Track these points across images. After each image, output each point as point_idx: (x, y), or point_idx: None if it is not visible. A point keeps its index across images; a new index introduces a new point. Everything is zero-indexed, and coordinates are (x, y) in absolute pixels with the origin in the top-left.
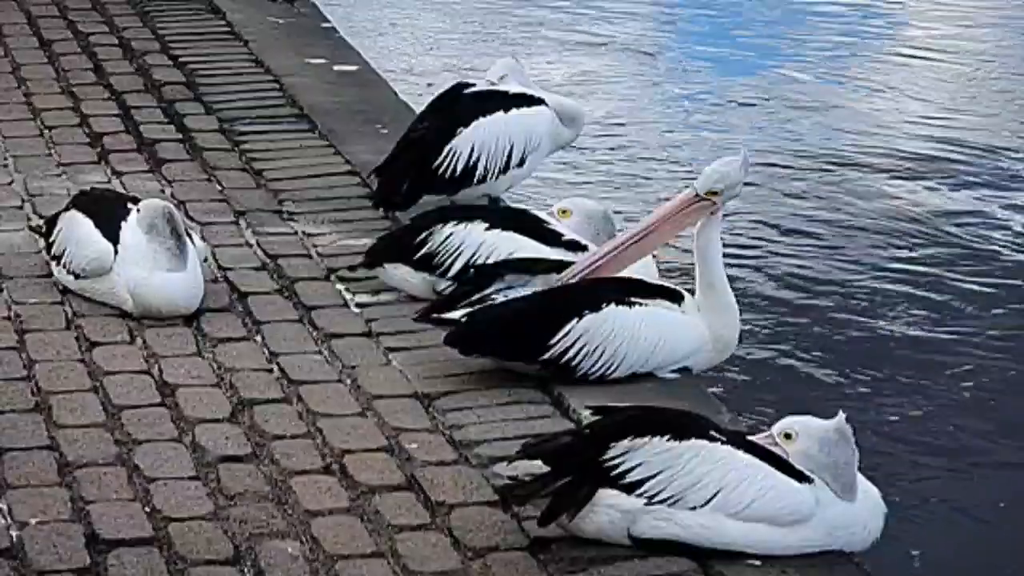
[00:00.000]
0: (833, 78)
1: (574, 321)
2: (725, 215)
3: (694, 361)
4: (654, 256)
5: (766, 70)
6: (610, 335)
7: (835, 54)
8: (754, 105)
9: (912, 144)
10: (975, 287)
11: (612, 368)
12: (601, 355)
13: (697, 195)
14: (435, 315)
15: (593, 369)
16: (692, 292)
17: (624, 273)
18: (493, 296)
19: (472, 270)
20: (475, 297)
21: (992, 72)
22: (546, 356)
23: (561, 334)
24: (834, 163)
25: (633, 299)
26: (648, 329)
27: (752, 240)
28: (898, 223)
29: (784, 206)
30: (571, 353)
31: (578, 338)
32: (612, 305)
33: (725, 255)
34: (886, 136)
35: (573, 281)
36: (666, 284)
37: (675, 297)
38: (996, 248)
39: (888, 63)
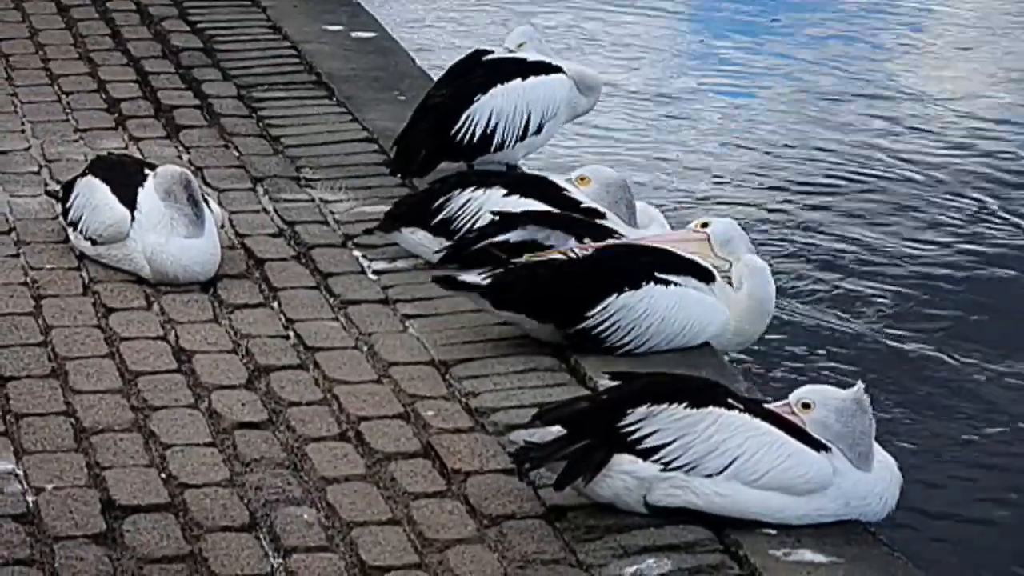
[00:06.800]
0: (867, 49)
1: (613, 296)
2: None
3: (714, 342)
4: None
5: (793, 36)
6: (643, 315)
7: (874, 34)
8: (779, 73)
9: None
10: (990, 260)
11: (639, 346)
12: (630, 331)
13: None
14: (459, 279)
15: (619, 344)
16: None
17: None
18: (510, 243)
19: (494, 215)
20: (496, 240)
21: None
22: (579, 327)
23: (598, 308)
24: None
25: (669, 277)
26: (680, 312)
27: (774, 214)
28: (916, 209)
29: (812, 192)
30: (602, 327)
31: (613, 314)
32: (651, 284)
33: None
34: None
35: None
36: (699, 260)
37: (706, 277)
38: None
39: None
